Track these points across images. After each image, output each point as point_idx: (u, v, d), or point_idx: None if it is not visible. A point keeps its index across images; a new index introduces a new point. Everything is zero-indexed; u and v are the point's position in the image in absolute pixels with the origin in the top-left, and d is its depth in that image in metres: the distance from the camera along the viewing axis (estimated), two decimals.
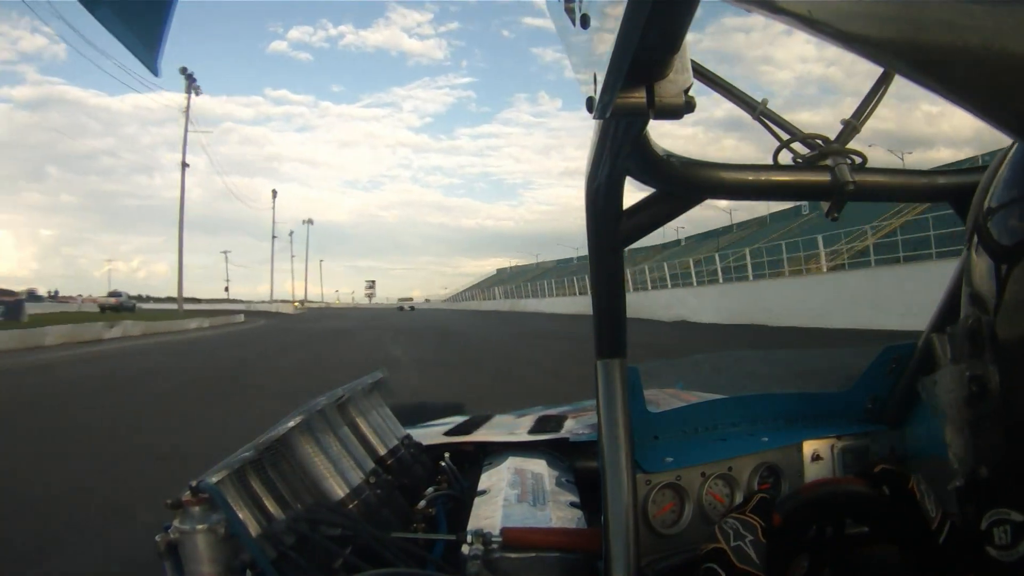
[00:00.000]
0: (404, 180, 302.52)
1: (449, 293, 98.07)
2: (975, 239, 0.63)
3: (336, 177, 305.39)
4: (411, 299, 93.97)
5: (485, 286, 70.36)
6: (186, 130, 38.57)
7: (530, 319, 30.16)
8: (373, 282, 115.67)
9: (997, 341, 0.58)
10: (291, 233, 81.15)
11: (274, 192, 71.75)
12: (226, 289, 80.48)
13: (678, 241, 49.51)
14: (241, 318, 36.77)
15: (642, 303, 25.67)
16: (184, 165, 38.48)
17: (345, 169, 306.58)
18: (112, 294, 47.39)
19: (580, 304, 31.63)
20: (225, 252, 79.83)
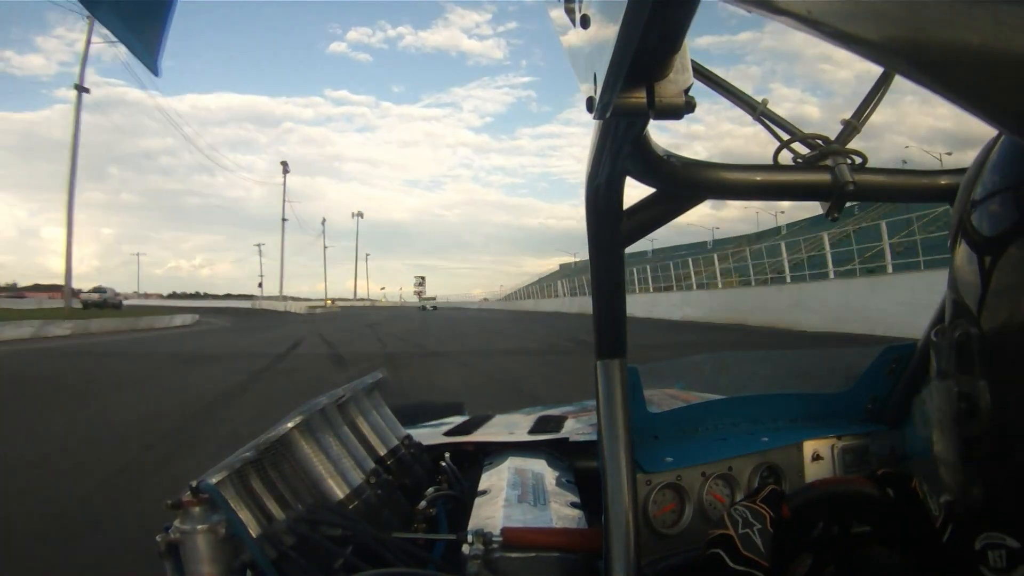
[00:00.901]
0: (465, 180, 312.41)
1: (505, 292, 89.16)
2: (959, 238, 0.60)
3: (398, 177, 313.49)
4: (434, 299, 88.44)
5: (546, 282, 58.55)
6: (88, 42, 30.82)
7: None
8: (423, 279, 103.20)
9: (986, 354, 0.55)
10: (323, 221, 76.88)
11: (284, 166, 64.74)
12: (259, 285, 75.91)
13: (778, 229, 41.67)
14: (183, 320, 29.53)
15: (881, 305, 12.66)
16: (81, 89, 30.45)
17: (407, 169, 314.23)
18: (96, 290, 45.98)
19: (677, 303, 22.24)
20: (259, 245, 75.42)
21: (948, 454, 0.61)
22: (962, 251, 0.59)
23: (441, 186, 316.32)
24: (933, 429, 0.64)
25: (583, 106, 0.54)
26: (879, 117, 0.82)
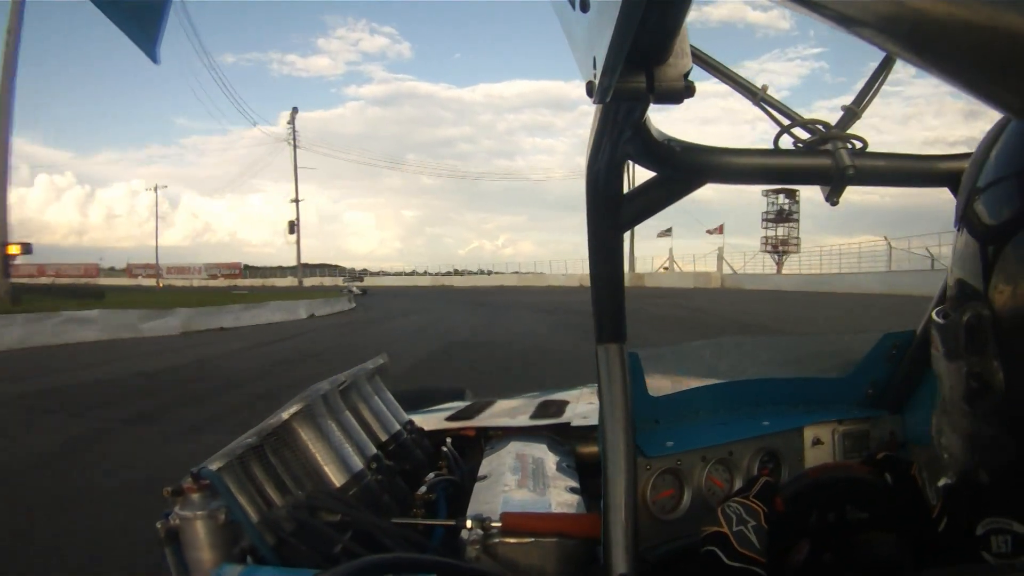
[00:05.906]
0: None
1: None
2: (964, 222, 0.59)
3: None
4: (361, 279, 62.71)
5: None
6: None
7: None
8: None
9: (999, 334, 0.54)
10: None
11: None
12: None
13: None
14: None
15: None
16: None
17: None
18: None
19: None
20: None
21: (954, 436, 0.59)
22: (968, 235, 0.58)
23: None
24: (936, 411, 0.62)
25: None
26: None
